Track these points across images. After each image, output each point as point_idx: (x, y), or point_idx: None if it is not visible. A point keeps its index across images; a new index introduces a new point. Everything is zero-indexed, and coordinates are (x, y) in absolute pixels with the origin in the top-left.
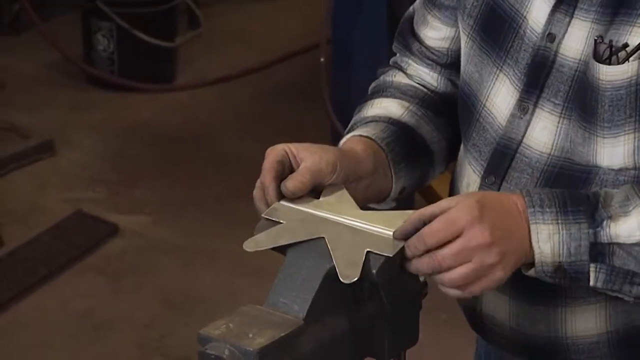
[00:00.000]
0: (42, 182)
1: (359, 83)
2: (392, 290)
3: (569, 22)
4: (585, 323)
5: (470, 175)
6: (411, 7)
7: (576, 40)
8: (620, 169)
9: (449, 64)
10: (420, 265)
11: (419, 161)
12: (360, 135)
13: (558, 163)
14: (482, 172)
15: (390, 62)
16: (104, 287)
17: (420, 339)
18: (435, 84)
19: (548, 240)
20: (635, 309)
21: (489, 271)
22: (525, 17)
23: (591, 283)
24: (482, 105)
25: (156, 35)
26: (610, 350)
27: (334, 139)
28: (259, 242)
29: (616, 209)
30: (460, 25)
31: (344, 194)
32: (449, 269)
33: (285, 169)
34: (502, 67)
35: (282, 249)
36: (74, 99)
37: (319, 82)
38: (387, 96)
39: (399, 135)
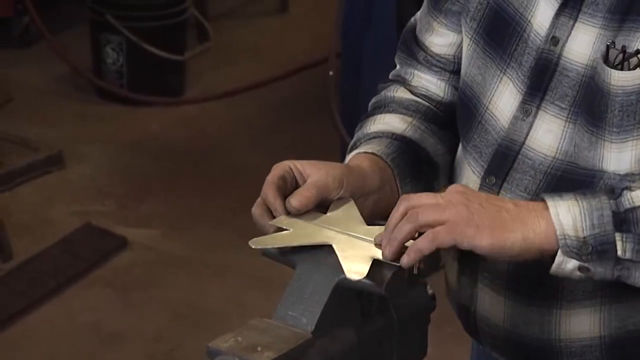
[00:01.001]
0: (50, 195)
1: (368, 97)
2: (401, 304)
3: (573, 25)
4: (579, 326)
5: (470, 176)
6: (412, 19)
7: (582, 44)
8: (626, 174)
9: (457, 70)
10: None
11: (423, 175)
12: (366, 152)
13: (561, 166)
14: (482, 173)
15: (391, 75)
16: (112, 300)
17: (427, 352)
18: (441, 93)
19: (568, 212)
20: (629, 313)
21: (429, 227)
22: (529, 21)
23: (619, 253)
24: (485, 108)
25: (165, 48)
26: (603, 354)
27: (343, 153)
28: (265, 241)
29: (633, 184)
30: (463, 28)
31: (351, 208)
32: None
33: (288, 184)
34: (505, 70)
35: (290, 262)
36: (83, 112)
37: (327, 96)
38: (389, 112)
39: (403, 150)
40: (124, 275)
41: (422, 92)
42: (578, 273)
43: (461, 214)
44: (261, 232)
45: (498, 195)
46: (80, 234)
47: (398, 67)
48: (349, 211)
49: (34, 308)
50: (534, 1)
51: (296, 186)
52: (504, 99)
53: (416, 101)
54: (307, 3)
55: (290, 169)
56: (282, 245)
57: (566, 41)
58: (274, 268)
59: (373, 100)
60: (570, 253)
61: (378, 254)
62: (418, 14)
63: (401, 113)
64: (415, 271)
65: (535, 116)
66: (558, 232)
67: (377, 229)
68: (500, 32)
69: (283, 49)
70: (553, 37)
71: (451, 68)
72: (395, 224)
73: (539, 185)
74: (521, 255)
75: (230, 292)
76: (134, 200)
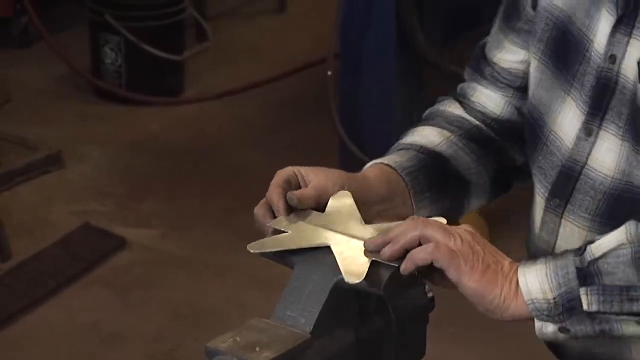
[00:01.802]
0: (49, 195)
1: (367, 97)
2: (399, 304)
3: (628, 41)
4: None
5: (536, 198)
6: (485, 38)
7: (633, 61)
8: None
9: (522, 87)
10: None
11: (448, 191)
12: (381, 163)
13: (620, 186)
14: (546, 195)
15: (458, 88)
16: (111, 300)
17: (427, 352)
18: (498, 110)
19: (536, 277)
20: None
21: (427, 241)
22: (591, 40)
23: (585, 307)
24: (549, 129)
25: (164, 48)
26: None
27: (342, 152)
28: (263, 244)
29: (601, 235)
30: (530, 50)
31: (350, 205)
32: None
33: (292, 187)
34: (569, 90)
35: (289, 262)
36: (81, 112)
37: (326, 96)
38: (431, 124)
39: (427, 164)
40: (123, 275)
41: (478, 108)
42: (561, 335)
43: (464, 248)
44: (260, 231)
45: (561, 217)
46: (80, 234)
47: (465, 82)
48: (348, 209)
49: (33, 308)
50: (596, 20)
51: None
52: (567, 120)
53: (463, 118)
54: (306, 3)
55: (294, 173)
56: (280, 249)
57: (622, 58)
58: (273, 268)
59: (426, 111)
60: (541, 316)
61: (376, 255)
62: (492, 30)
63: (442, 127)
64: (414, 272)
65: (596, 136)
66: (526, 298)
67: (375, 228)
68: (565, 53)
69: (282, 49)
70: (611, 55)
71: (517, 84)
72: (401, 230)
73: (598, 205)
74: (497, 312)
75: (229, 292)
76: (133, 200)
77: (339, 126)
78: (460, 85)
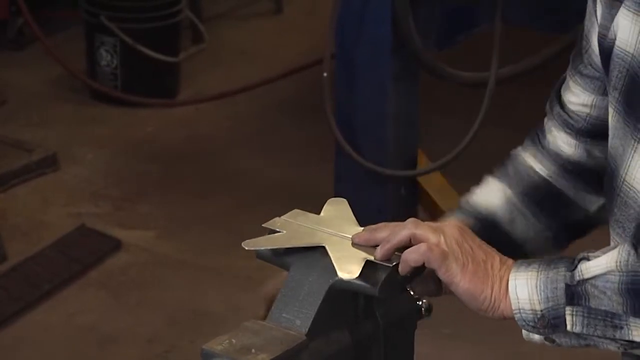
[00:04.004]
0: (45, 197)
1: (363, 98)
2: (387, 310)
3: None
4: None
5: None
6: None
7: None
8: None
9: (584, 130)
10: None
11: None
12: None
13: None
14: None
15: (545, 120)
16: (107, 302)
17: (423, 353)
18: (571, 151)
19: (525, 285)
20: None
21: (418, 241)
22: None
23: (568, 327)
24: (622, 180)
25: (160, 50)
26: None
27: (338, 154)
28: (258, 242)
29: (596, 253)
30: (609, 98)
31: (345, 209)
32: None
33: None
34: (638, 138)
35: (285, 264)
36: (77, 113)
37: (322, 98)
38: (499, 177)
39: (482, 234)
40: (118, 277)
41: (553, 149)
42: (547, 343)
43: (454, 247)
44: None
45: None
46: (75, 236)
47: (546, 113)
48: (343, 212)
49: (29, 310)
50: None
51: None
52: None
53: (534, 170)
54: (302, 4)
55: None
56: (275, 247)
57: None
58: (269, 270)
59: (511, 152)
60: (527, 327)
61: (371, 255)
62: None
63: (509, 183)
64: (407, 274)
65: None
66: (513, 307)
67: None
68: (636, 100)
69: (278, 51)
70: None
71: (580, 126)
72: (391, 230)
73: None
74: (489, 311)
75: (225, 294)
76: (129, 202)
77: (334, 128)
78: (546, 119)
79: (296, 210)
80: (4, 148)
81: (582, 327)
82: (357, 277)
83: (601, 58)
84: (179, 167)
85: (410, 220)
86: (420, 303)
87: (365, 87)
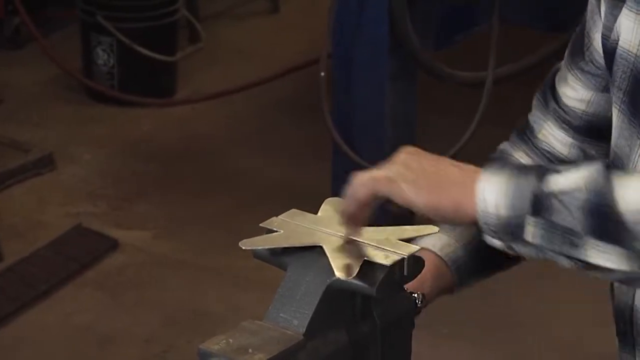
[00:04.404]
0: (42, 197)
1: (360, 98)
2: (385, 310)
3: None
4: None
5: None
6: (562, 63)
7: None
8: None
9: (580, 127)
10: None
11: (493, 268)
12: (433, 252)
13: None
14: None
15: (529, 117)
16: (104, 302)
17: (421, 353)
18: (565, 151)
19: (494, 190)
20: None
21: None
22: None
23: (528, 238)
24: None
25: (156, 49)
26: None
27: (335, 154)
28: (255, 242)
29: (568, 166)
30: (612, 98)
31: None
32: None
33: None
34: None
35: (282, 264)
36: (74, 113)
37: (319, 97)
38: None
39: (466, 258)
40: (115, 277)
41: (546, 148)
42: (507, 250)
43: (401, 172)
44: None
45: None
46: (72, 236)
47: (533, 108)
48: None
49: (26, 310)
50: None
51: None
52: None
53: None
54: (299, 3)
55: None
56: (272, 246)
57: None
58: (267, 270)
59: (497, 150)
60: (487, 231)
61: (368, 255)
62: (564, 58)
63: None
64: (405, 272)
65: None
66: (478, 208)
67: (368, 231)
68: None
69: (275, 50)
70: None
71: (576, 123)
72: (351, 190)
73: None
74: (457, 219)
75: (223, 294)
76: (125, 201)
77: (332, 128)
78: (531, 116)
79: (294, 210)
80: (0, 148)
81: (541, 240)
82: (354, 277)
83: (605, 58)
84: (176, 166)
85: (355, 175)
86: (415, 295)
87: (363, 86)
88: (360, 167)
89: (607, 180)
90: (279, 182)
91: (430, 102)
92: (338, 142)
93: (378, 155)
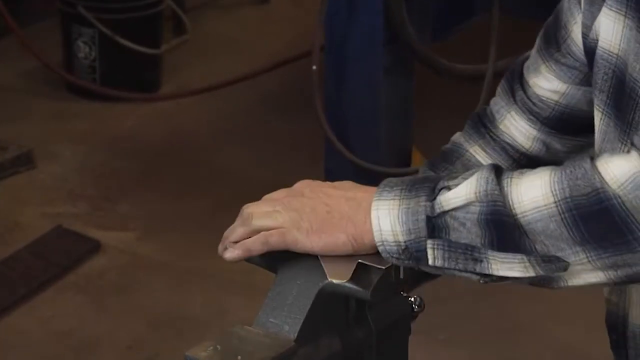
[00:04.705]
0: (20, 197)
1: (354, 92)
2: (380, 315)
3: None
4: None
5: None
6: (529, 51)
7: None
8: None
9: (551, 118)
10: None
11: None
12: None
13: None
14: None
15: (490, 105)
16: (85, 307)
17: (418, 359)
18: (527, 144)
19: (388, 215)
20: None
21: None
22: None
23: (430, 262)
24: None
25: (140, 42)
26: None
27: (328, 150)
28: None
29: (457, 180)
30: (594, 101)
31: None
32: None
33: None
34: (626, 141)
35: (272, 266)
36: (53, 109)
37: (311, 91)
38: None
39: None
40: (97, 281)
41: (506, 140)
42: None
43: (293, 220)
44: None
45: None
46: (52, 238)
47: (497, 97)
48: None
49: (3, 315)
50: None
51: None
52: None
53: None
54: None
55: None
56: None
57: None
58: (256, 273)
59: (449, 143)
60: (391, 259)
61: (362, 258)
62: (534, 48)
63: None
64: (401, 275)
65: None
66: (376, 239)
67: None
68: (624, 102)
69: (264, 42)
70: None
71: (547, 114)
72: (232, 228)
73: None
74: (359, 251)
75: (210, 298)
76: (108, 201)
77: (324, 123)
78: (493, 104)
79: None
80: None
81: (444, 261)
82: (348, 280)
83: (586, 57)
84: (160, 164)
85: (244, 208)
86: (411, 300)
87: (357, 80)
88: (354, 166)
89: (498, 186)
90: (267, 181)
91: (428, 97)
92: (331, 139)
93: (372, 152)
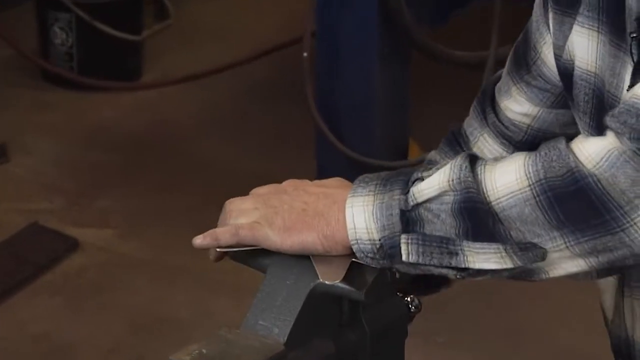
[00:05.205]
0: None
1: (346, 81)
2: (374, 316)
3: None
4: None
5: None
6: (501, 71)
7: None
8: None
9: (524, 142)
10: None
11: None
12: None
13: None
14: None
15: (464, 125)
16: (62, 309)
17: None
18: None
19: (362, 212)
20: None
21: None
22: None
23: (404, 258)
24: None
25: (120, 27)
26: None
27: (319, 141)
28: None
29: (431, 171)
30: (579, 124)
31: None
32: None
33: None
34: None
35: (261, 266)
36: (29, 98)
37: (302, 80)
38: None
39: None
40: (75, 280)
41: None
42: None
43: (267, 216)
44: None
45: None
46: (27, 235)
47: (470, 118)
48: None
49: None
50: (622, 82)
51: None
52: None
53: None
54: None
55: None
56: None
57: None
58: (244, 272)
59: (427, 156)
60: (365, 259)
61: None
62: (505, 68)
63: None
64: (397, 275)
65: None
66: (350, 237)
67: None
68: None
69: (252, 28)
70: None
71: (519, 138)
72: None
73: None
74: (331, 251)
75: (194, 299)
76: (86, 196)
77: (315, 113)
78: (466, 125)
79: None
80: None
81: (418, 256)
82: (340, 280)
83: (562, 79)
84: (141, 157)
85: (227, 204)
86: (408, 300)
87: (350, 68)
88: (347, 158)
89: (472, 174)
90: (255, 175)
91: (425, 86)
92: (322, 130)
93: (367, 145)
